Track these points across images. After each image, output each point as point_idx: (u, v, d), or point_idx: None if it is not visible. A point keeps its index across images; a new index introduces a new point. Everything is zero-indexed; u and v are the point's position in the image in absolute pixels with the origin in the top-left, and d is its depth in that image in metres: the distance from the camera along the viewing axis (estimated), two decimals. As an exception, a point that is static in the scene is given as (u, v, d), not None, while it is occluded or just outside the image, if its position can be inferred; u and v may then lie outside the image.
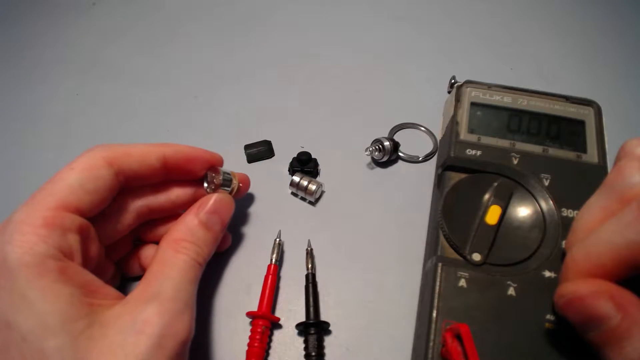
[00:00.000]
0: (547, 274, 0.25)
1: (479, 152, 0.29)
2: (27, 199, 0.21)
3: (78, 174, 0.22)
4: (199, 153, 0.27)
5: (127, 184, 0.24)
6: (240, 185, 0.29)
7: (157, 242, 0.28)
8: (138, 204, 0.26)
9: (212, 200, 0.26)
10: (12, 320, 0.18)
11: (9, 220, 0.20)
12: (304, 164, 0.33)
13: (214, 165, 0.27)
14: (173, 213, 0.28)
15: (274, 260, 0.29)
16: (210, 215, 0.25)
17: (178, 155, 0.25)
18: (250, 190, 0.33)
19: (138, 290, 0.21)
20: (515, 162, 0.29)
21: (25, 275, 0.18)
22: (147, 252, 0.28)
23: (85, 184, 0.22)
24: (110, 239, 0.25)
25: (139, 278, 0.29)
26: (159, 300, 0.21)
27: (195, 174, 0.27)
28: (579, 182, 0.28)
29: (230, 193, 0.28)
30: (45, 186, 0.21)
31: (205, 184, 0.27)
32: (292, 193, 0.33)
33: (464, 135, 0.30)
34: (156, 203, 0.27)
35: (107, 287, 0.22)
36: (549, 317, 0.23)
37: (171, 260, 0.23)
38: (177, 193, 0.27)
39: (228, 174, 0.28)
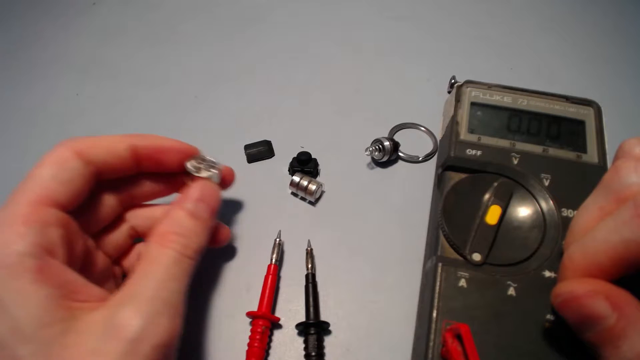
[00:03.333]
0: (547, 274, 0.25)
1: (479, 152, 0.29)
2: (4, 203, 0.21)
3: (48, 167, 0.21)
4: (171, 144, 0.26)
5: (101, 176, 0.24)
6: (226, 176, 0.29)
7: None
8: (118, 191, 0.25)
9: (196, 187, 0.25)
10: None
11: None
12: (304, 164, 0.33)
13: (188, 155, 0.26)
14: (158, 197, 0.28)
15: (274, 260, 0.29)
16: (196, 203, 0.24)
17: (147, 145, 0.25)
18: (250, 190, 0.33)
19: (119, 291, 0.20)
20: (515, 162, 0.29)
21: (2, 276, 0.18)
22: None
23: (58, 176, 0.21)
24: (95, 228, 0.24)
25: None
26: (135, 301, 0.19)
27: (169, 165, 0.26)
28: (579, 182, 0.28)
29: (215, 180, 0.26)
30: (18, 186, 0.21)
31: (188, 172, 0.26)
32: (292, 193, 0.33)
33: (464, 135, 0.30)
34: (138, 189, 0.26)
35: (91, 287, 0.21)
36: (549, 317, 0.23)
37: (156, 257, 0.22)
38: (158, 180, 0.27)
39: (212, 160, 0.27)
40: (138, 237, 0.28)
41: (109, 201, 0.25)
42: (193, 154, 0.26)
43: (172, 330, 0.20)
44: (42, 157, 0.22)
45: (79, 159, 0.22)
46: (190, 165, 0.26)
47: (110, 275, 0.26)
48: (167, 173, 0.27)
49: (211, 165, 0.27)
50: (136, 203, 0.27)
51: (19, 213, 0.20)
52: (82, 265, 0.22)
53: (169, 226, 0.23)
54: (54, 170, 0.21)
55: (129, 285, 0.20)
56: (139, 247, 0.28)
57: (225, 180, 0.29)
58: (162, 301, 0.20)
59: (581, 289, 0.19)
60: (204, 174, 0.26)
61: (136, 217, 0.27)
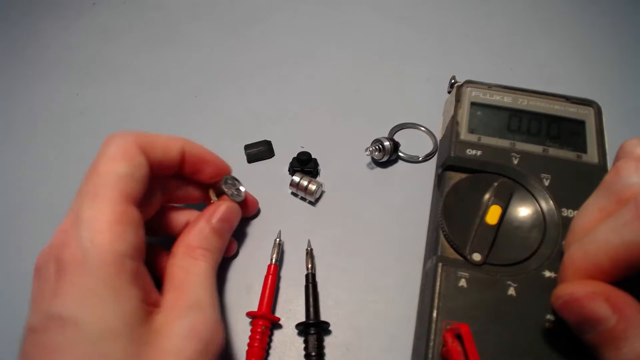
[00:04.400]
0: (547, 274, 0.25)
1: (479, 152, 0.29)
2: (82, 194, 0.21)
3: (124, 164, 0.21)
4: (213, 157, 0.27)
5: (152, 173, 0.24)
6: (250, 205, 0.30)
7: (152, 239, 0.28)
8: (162, 190, 0.26)
9: (224, 207, 0.26)
10: (82, 319, 0.18)
11: (79, 217, 0.20)
12: (304, 164, 0.33)
13: (223, 172, 0.28)
14: (187, 202, 0.29)
15: (274, 260, 0.29)
16: (222, 223, 0.26)
17: (195, 152, 0.26)
18: (251, 190, 0.33)
19: (172, 297, 0.22)
20: (516, 162, 0.29)
21: (103, 275, 0.19)
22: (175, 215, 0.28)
23: (134, 173, 0.21)
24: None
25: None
26: (200, 308, 0.21)
27: (204, 176, 0.27)
28: (579, 182, 0.28)
29: (238, 203, 0.28)
30: (96, 180, 0.21)
31: (218, 188, 0.28)
32: (292, 193, 0.33)
33: (464, 135, 0.30)
34: (177, 190, 0.27)
35: (155, 292, 0.22)
36: (549, 317, 0.23)
37: (194, 268, 0.23)
38: (194, 186, 0.28)
39: (239, 182, 0.29)
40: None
41: (155, 199, 0.26)
42: (227, 172, 0.28)
43: (224, 334, 0.22)
44: (106, 149, 0.22)
45: (142, 154, 0.22)
46: (224, 182, 0.28)
47: None
48: (199, 182, 0.28)
49: (237, 188, 0.29)
50: (168, 204, 0.28)
51: (111, 210, 0.20)
52: None
53: (199, 241, 0.24)
54: (130, 167, 0.21)
55: (183, 293, 0.22)
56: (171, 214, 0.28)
57: (249, 209, 0.31)
58: (218, 309, 0.22)
59: (581, 291, 0.19)
60: (231, 194, 0.28)
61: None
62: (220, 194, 0.28)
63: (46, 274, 0.20)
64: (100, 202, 0.20)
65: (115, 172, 0.21)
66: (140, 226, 0.21)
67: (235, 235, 0.31)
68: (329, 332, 0.27)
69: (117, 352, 0.18)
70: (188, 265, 0.23)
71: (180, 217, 0.28)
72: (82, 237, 0.19)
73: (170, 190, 0.27)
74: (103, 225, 0.19)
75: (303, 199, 0.33)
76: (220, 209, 0.26)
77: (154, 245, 0.28)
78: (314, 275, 0.28)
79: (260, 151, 0.35)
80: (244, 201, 0.29)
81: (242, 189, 0.29)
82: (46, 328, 0.18)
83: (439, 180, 0.30)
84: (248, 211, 0.31)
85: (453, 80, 0.35)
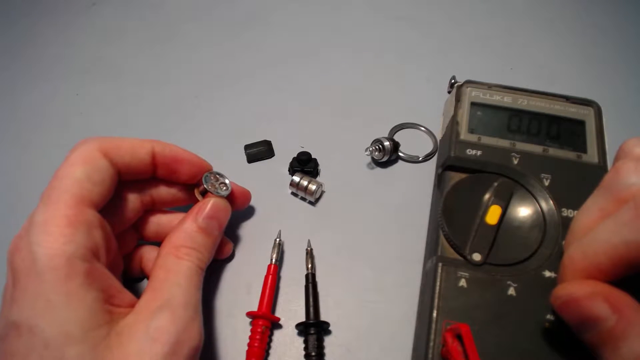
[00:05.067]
0: (547, 274, 0.25)
1: (479, 152, 0.29)
2: (40, 200, 0.21)
3: (81, 168, 0.21)
4: (189, 156, 0.26)
5: (121, 178, 0.24)
6: (241, 197, 0.30)
7: (158, 243, 0.28)
8: (141, 194, 0.26)
9: (209, 205, 0.26)
10: (35, 325, 0.18)
11: (31, 222, 0.20)
12: (304, 164, 0.33)
13: (203, 170, 0.27)
14: (175, 205, 0.28)
15: (274, 260, 0.29)
16: (208, 221, 0.25)
17: (166, 152, 0.25)
18: (251, 190, 0.33)
19: (146, 297, 0.21)
20: (516, 162, 0.29)
21: (52, 278, 0.18)
22: (148, 254, 0.28)
23: (92, 176, 0.21)
24: (118, 230, 0.25)
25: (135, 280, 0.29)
26: (170, 308, 0.21)
27: (182, 176, 0.26)
28: (579, 182, 0.28)
29: (225, 198, 0.27)
30: (53, 185, 0.21)
31: (201, 187, 0.27)
32: (292, 193, 0.33)
33: (464, 135, 0.30)
34: (159, 194, 0.27)
35: (124, 292, 0.22)
36: (549, 317, 0.23)
37: (175, 267, 0.23)
38: (178, 188, 0.28)
39: (224, 178, 0.28)
40: (141, 239, 0.28)
41: (134, 204, 0.26)
42: (207, 170, 0.27)
43: (202, 334, 0.22)
44: (69, 155, 0.22)
45: (105, 158, 0.22)
46: (205, 181, 0.27)
47: (119, 275, 0.26)
48: (180, 183, 0.27)
49: (223, 183, 0.28)
50: (155, 208, 0.28)
51: (62, 214, 0.20)
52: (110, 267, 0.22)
53: (183, 240, 0.24)
54: (87, 171, 0.21)
55: (157, 292, 0.21)
56: (144, 250, 0.28)
57: (240, 202, 0.30)
58: (192, 308, 0.22)
59: (581, 291, 0.19)
60: (217, 191, 0.27)
61: (142, 221, 0.28)
62: (205, 192, 0.27)
63: (6, 281, 0.20)
64: (52, 206, 0.20)
65: (71, 176, 0.21)
66: (96, 227, 0.21)
67: (235, 236, 0.31)
68: (329, 332, 0.27)
69: (72, 355, 0.18)
70: (171, 264, 0.23)
71: (169, 220, 0.28)
72: (31, 242, 0.19)
73: (151, 194, 0.27)
74: (52, 228, 0.19)
75: (303, 199, 0.33)
76: (206, 207, 0.25)
77: (154, 248, 0.28)
78: (314, 275, 0.28)
79: (260, 151, 0.35)
80: (233, 195, 0.28)
81: (227, 182, 0.28)
82: (6, 335, 0.18)
83: (439, 180, 0.30)
84: (239, 204, 0.30)
85: (453, 80, 0.35)
